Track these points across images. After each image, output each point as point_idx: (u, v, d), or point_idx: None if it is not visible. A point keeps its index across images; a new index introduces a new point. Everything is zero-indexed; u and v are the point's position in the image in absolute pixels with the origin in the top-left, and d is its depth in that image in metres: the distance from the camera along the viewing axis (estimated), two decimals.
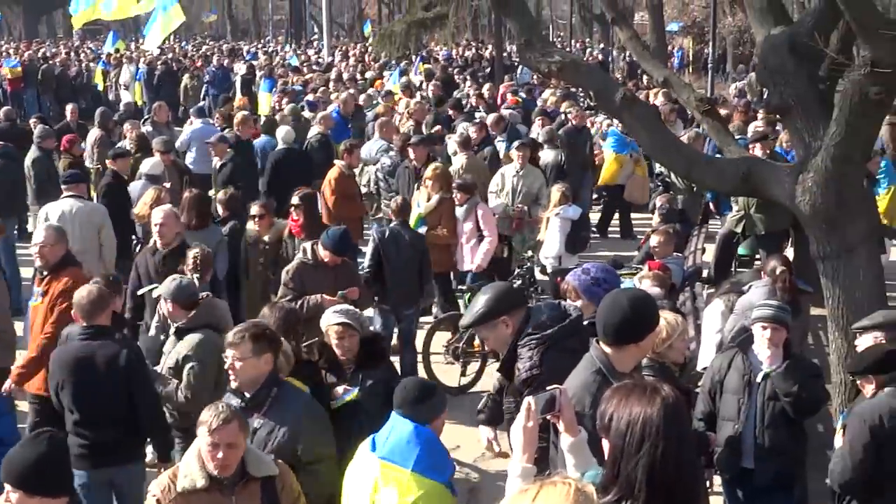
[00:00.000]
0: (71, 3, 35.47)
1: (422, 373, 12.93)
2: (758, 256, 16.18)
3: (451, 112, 23.12)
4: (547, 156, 18.33)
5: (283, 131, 18.39)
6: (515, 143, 17.09)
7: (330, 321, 8.36)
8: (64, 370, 8.49)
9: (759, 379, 8.33)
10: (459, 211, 14.54)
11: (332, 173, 16.35)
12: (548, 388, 5.04)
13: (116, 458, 8.44)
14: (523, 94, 28.48)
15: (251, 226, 13.11)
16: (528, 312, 6.59)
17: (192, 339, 8.96)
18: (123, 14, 35.20)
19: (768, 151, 15.15)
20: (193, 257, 10.86)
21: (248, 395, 7.14)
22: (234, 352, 7.08)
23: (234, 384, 7.18)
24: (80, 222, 13.46)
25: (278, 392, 7.23)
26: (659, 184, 17.20)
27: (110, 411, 8.38)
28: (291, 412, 7.18)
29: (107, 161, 16.22)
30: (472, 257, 14.63)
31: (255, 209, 13.23)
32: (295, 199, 13.08)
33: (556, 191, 15.21)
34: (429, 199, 14.45)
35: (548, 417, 4.94)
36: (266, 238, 12.92)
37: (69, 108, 24.40)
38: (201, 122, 21.37)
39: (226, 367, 7.19)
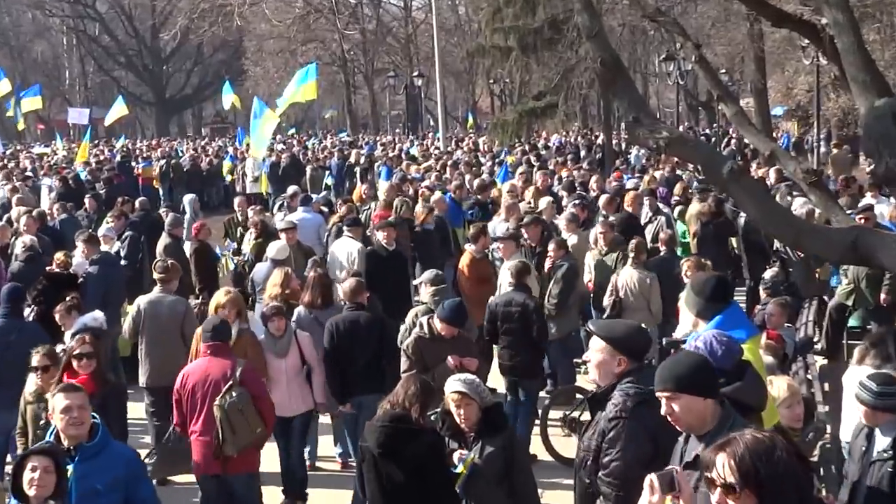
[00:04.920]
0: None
1: (538, 446, 12.94)
2: (869, 327, 15.93)
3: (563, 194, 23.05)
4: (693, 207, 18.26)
5: None
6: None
7: (450, 389, 8.32)
8: None
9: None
10: (276, 344, 11.96)
11: (465, 259, 16.29)
12: (666, 468, 5.00)
13: None
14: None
15: (34, 378, 10.43)
16: (640, 367, 6.64)
17: None
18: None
19: (873, 223, 14.97)
20: None
21: None
22: None
23: None
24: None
25: None
26: (775, 259, 16.98)
27: None
28: None
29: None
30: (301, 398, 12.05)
31: (36, 359, 10.31)
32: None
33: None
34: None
35: (669, 497, 4.89)
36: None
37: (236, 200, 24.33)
38: (303, 211, 20.76)
39: None
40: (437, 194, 21.92)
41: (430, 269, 14.37)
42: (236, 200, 23.43)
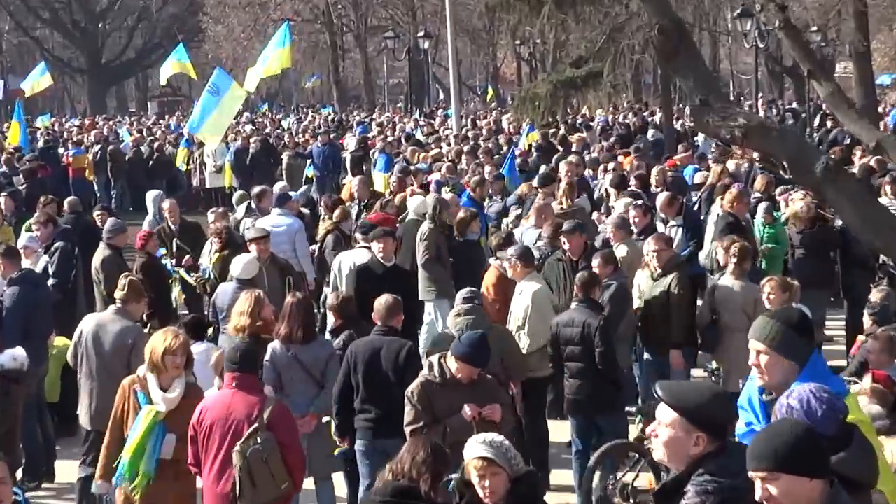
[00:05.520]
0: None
1: None
2: None
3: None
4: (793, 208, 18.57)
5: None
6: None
7: (472, 453, 8.23)
8: None
9: None
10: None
11: (490, 278, 16.16)
12: None
13: None
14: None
15: None
16: (723, 447, 6.34)
17: None
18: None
19: None
20: None
21: None
22: None
23: None
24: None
25: None
26: (881, 275, 16.91)
27: None
28: None
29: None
30: None
31: None
32: None
33: None
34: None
35: None
36: None
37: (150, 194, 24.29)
38: (278, 214, 20.51)
39: None
40: (446, 192, 21.89)
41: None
42: (165, 205, 22.06)
